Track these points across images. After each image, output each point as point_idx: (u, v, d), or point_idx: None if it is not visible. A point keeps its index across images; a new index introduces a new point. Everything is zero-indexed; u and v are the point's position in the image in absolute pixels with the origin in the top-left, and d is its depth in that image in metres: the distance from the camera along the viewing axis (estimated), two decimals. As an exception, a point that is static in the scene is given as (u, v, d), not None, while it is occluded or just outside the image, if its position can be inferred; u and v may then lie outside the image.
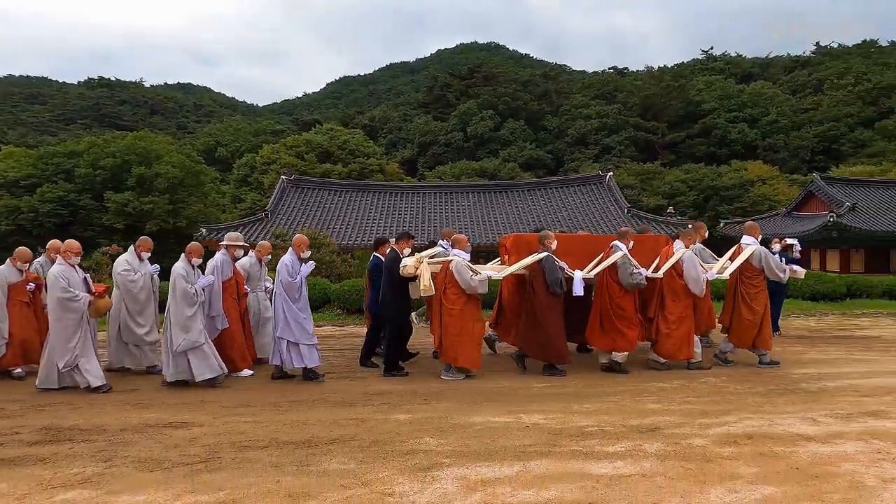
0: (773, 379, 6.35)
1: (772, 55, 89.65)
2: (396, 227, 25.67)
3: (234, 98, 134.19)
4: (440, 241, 7.51)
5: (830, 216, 27.47)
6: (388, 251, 7.04)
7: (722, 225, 34.19)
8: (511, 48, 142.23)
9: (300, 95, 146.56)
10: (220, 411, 5.19)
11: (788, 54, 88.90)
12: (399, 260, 6.68)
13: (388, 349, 6.87)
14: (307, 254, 6.63)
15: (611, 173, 31.79)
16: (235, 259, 7.08)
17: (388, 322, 6.85)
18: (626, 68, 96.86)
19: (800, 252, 9.75)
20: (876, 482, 3.48)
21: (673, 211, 32.39)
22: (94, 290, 6.08)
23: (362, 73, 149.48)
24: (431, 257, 6.76)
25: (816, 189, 32.29)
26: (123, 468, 3.82)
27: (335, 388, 6.15)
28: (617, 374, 6.65)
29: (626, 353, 6.74)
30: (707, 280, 6.79)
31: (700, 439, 4.29)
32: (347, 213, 27.21)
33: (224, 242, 6.94)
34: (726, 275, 6.93)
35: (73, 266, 6.08)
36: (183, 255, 6.38)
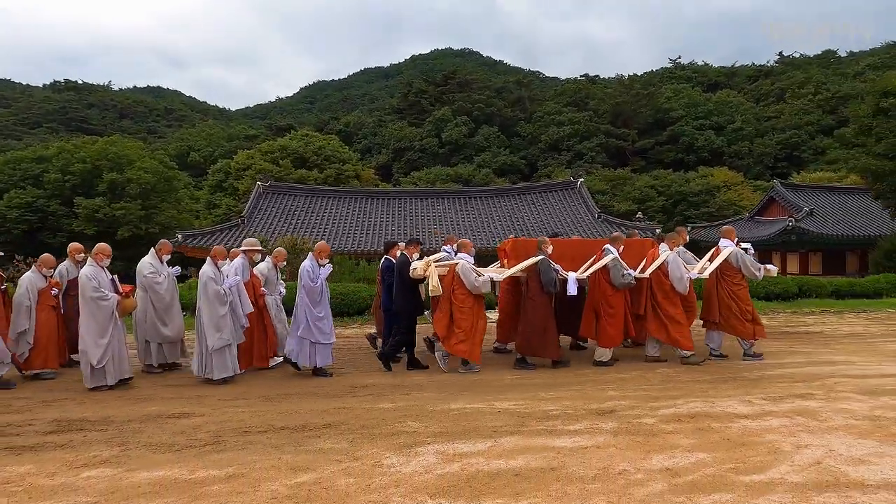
0: (720, 369, 7.02)
1: (737, 64, 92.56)
2: (373, 232, 26.06)
3: (205, 102, 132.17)
4: (444, 247, 8.15)
5: (789, 221, 28.82)
6: (398, 254, 7.63)
7: (689, 229, 35.41)
8: (485, 55, 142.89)
9: (273, 100, 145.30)
10: (217, 404, 5.63)
11: (753, 63, 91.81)
12: (409, 264, 7.29)
13: (393, 343, 7.39)
14: (325, 260, 7.12)
15: (582, 179, 32.75)
16: (254, 263, 7.57)
17: (400, 318, 7.38)
18: (597, 76, 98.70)
19: (753, 255, 10.52)
20: (791, 448, 4.11)
21: (642, 216, 33.42)
22: (121, 291, 6.53)
23: (337, 78, 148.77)
24: (437, 261, 7.40)
25: (777, 195, 33.74)
26: (137, 451, 4.25)
27: (321, 382, 6.62)
28: (601, 367, 7.24)
29: (609, 350, 7.37)
30: (690, 279, 7.42)
31: (650, 419, 4.89)
32: (324, 219, 27.50)
33: (243, 248, 7.43)
34: (706, 274, 7.60)
35: (102, 268, 6.50)
36: (209, 258, 6.86)
